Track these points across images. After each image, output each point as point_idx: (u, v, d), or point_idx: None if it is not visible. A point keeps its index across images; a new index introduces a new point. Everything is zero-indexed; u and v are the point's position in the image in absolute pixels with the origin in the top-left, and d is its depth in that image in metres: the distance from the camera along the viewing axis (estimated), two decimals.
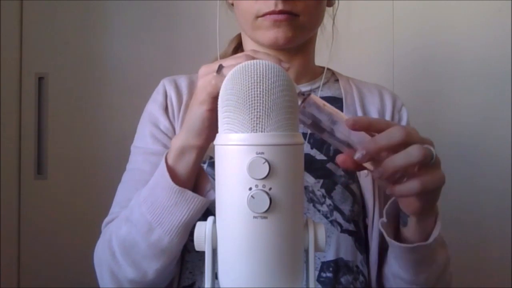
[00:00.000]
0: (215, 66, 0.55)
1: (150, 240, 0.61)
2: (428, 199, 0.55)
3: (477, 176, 1.38)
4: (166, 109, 0.77)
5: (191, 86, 0.78)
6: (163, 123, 0.76)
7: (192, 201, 0.59)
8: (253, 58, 0.52)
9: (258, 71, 0.41)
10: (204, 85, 0.55)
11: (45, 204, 1.41)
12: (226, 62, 0.54)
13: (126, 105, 1.39)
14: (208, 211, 0.71)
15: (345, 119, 0.51)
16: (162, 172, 0.60)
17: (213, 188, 0.62)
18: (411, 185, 0.50)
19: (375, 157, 0.50)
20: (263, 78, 0.40)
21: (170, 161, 0.60)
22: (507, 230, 1.36)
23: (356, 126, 0.51)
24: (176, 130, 0.76)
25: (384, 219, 0.63)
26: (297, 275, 0.42)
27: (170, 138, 0.76)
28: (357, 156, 0.49)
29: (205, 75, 0.56)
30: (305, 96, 0.52)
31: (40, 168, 1.42)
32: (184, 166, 0.60)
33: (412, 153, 0.48)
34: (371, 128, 0.51)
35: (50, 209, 1.41)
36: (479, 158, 1.38)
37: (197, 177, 0.63)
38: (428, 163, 0.50)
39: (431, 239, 0.59)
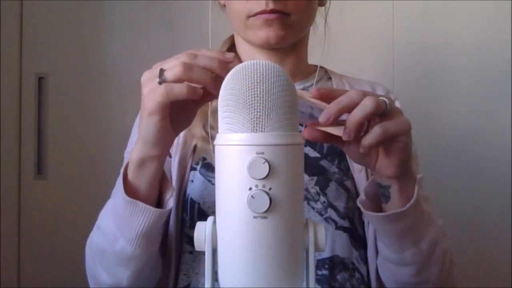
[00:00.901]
0: (157, 70, 0.53)
1: (116, 249, 0.61)
2: (400, 150, 0.55)
3: (477, 175, 1.38)
4: None
5: None
6: None
7: (144, 212, 0.58)
8: (195, 56, 0.52)
9: (258, 71, 0.41)
10: (150, 94, 0.53)
11: (45, 204, 1.41)
12: (166, 65, 0.53)
13: (126, 105, 1.39)
14: (204, 214, 0.72)
15: (304, 93, 0.54)
16: (119, 182, 0.60)
17: (174, 196, 0.61)
18: (373, 131, 0.52)
19: (338, 120, 0.52)
20: (263, 78, 0.40)
21: (130, 175, 0.59)
22: (507, 230, 1.36)
23: (321, 91, 0.53)
24: None
25: (363, 196, 0.63)
26: (297, 275, 0.42)
27: None
28: (322, 118, 0.51)
29: (148, 82, 0.54)
30: None
31: (40, 168, 1.42)
32: (145, 178, 0.59)
33: (366, 104, 0.51)
34: (334, 94, 0.53)
35: (50, 209, 1.41)
36: (479, 157, 1.38)
37: (161, 184, 0.62)
38: (384, 112, 0.52)
39: (407, 206, 0.58)
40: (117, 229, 0.61)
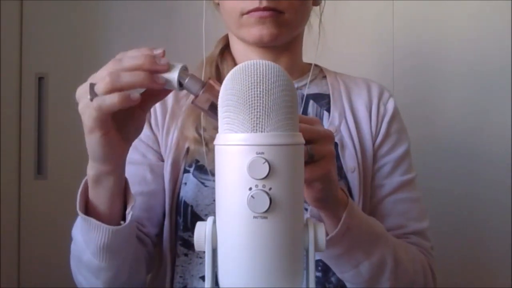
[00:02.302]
0: (87, 86, 0.51)
1: (85, 260, 0.61)
2: (315, 190, 0.55)
3: (477, 175, 1.38)
4: (148, 118, 0.78)
5: (177, 93, 0.78)
6: (144, 132, 0.76)
7: (98, 229, 0.57)
8: (119, 61, 0.50)
9: (258, 71, 0.41)
10: (85, 110, 0.51)
11: (45, 204, 1.41)
12: (96, 77, 0.51)
13: None
14: (197, 216, 0.71)
15: None
16: (77, 197, 0.59)
17: (139, 193, 0.60)
18: None
19: None
20: (263, 78, 0.40)
21: (89, 191, 0.58)
22: (507, 230, 1.36)
23: None
24: (159, 139, 0.77)
25: (308, 214, 0.64)
26: (297, 275, 0.42)
27: (151, 147, 0.77)
28: None
29: (81, 97, 0.52)
30: (204, 82, 0.52)
31: (40, 168, 1.42)
32: (103, 194, 0.57)
33: None
34: None
35: (50, 209, 1.41)
36: (479, 157, 1.38)
37: (125, 195, 0.61)
38: (306, 160, 0.51)
39: (329, 236, 0.58)
40: (83, 241, 0.60)
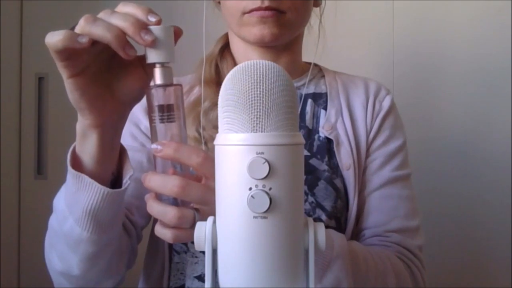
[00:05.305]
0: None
1: (65, 229, 0.57)
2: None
3: (477, 175, 1.38)
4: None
5: None
6: (144, 123, 0.77)
7: (89, 188, 0.53)
8: (111, 13, 0.48)
9: (258, 71, 0.41)
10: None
11: (45, 204, 1.40)
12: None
13: None
14: None
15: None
16: (68, 155, 0.56)
17: (132, 178, 0.57)
18: (164, 235, 0.51)
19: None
20: (263, 78, 0.40)
21: (76, 147, 0.56)
22: (507, 230, 1.36)
23: (158, 154, 0.50)
24: None
25: None
26: (297, 275, 0.42)
27: (149, 138, 0.76)
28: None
29: None
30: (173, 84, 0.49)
31: (40, 168, 1.42)
32: (88, 150, 0.54)
33: (168, 216, 0.49)
34: (174, 160, 0.51)
35: (50, 209, 1.40)
36: (478, 156, 1.38)
37: (121, 164, 0.58)
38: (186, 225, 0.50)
39: None
40: (66, 207, 0.57)
